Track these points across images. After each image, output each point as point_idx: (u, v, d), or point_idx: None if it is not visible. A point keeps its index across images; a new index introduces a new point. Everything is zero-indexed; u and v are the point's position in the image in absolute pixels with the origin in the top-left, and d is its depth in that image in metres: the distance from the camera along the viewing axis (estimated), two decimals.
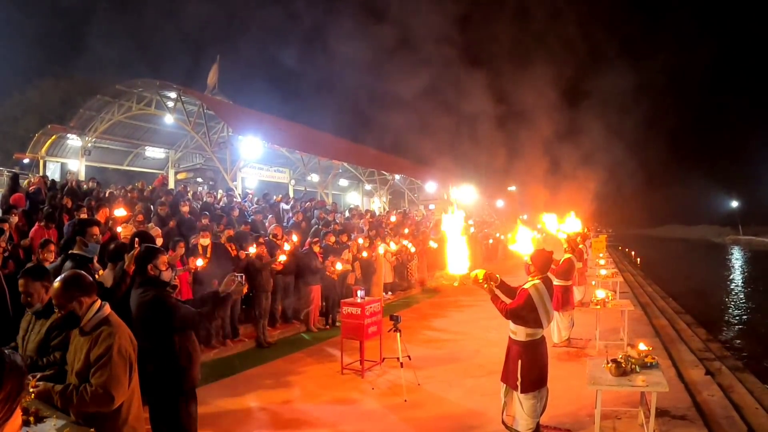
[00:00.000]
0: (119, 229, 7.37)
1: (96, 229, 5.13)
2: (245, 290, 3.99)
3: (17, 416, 1.30)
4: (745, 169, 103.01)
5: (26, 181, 13.32)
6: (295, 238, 9.67)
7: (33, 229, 7.57)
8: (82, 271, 3.06)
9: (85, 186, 12.72)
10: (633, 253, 33.20)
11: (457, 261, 4.71)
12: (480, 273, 4.69)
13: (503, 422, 4.83)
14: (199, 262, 7.33)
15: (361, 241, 11.89)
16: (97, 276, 4.97)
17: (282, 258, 8.99)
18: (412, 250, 15.42)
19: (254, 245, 9.04)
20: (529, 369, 4.52)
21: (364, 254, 11.83)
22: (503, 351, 4.88)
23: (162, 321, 3.57)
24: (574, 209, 10.69)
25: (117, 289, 4.28)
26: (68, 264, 4.86)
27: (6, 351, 1.32)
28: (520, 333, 4.62)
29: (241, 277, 3.96)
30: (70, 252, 5.08)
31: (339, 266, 10.45)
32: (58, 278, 2.94)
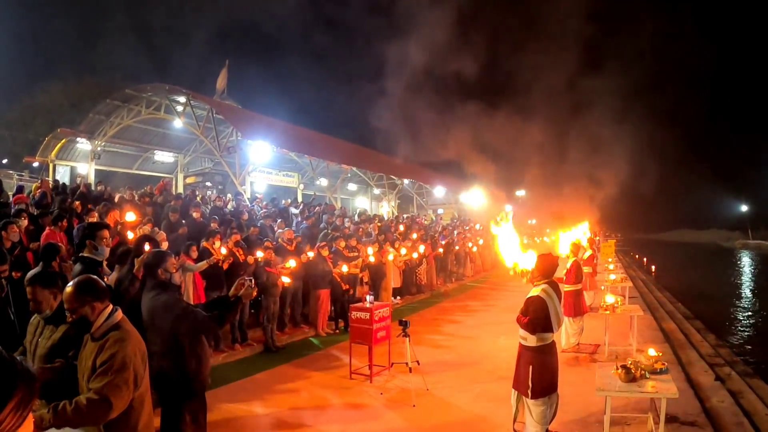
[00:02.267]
0: (130, 235, 7.41)
1: (106, 233, 5.14)
2: (254, 294, 4.00)
3: (28, 423, 1.28)
4: (755, 173, 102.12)
5: (34, 185, 13.39)
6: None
7: (44, 233, 7.59)
8: (95, 276, 3.01)
9: (97, 188, 12.79)
10: (645, 260, 32.85)
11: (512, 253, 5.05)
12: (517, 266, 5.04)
13: (514, 430, 4.82)
14: (223, 250, 8.29)
15: (370, 251, 11.82)
16: (106, 279, 5.00)
17: (291, 263, 9.01)
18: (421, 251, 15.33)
19: (262, 250, 9.05)
20: (540, 375, 4.51)
21: (371, 259, 11.79)
22: (512, 356, 4.87)
23: (173, 325, 3.58)
24: (581, 215, 10.63)
25: (127, 291, 4.30)
26: (78, 267, 4.87)
27: (18, 358, 1.30)
28: (531, 339, 4.61)
29: (251, 280, 3.97)
30: (80, 255, 5.10)
31: (345, 269, 10.49)
32: (71, 282, 2.86)
